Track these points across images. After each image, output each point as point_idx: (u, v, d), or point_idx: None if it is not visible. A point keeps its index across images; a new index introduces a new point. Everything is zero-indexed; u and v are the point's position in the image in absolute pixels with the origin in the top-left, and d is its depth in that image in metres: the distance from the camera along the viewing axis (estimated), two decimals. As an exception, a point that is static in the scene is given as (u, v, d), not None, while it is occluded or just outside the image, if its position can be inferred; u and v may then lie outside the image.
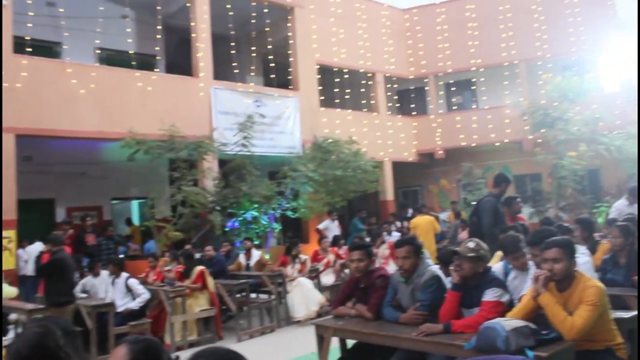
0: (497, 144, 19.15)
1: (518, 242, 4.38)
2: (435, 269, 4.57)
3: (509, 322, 3.41)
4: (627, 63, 15.87)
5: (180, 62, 15.39)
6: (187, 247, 10.38)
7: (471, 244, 4.09)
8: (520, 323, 3.44)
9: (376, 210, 19.07)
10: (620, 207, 9.06)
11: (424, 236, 11.35)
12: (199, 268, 8.85)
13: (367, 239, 11.71)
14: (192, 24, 13.88)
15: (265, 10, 15.35)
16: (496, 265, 4.59)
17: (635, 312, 4.19)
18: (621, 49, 15.65)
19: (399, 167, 19.67)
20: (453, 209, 16.26)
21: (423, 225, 11.47)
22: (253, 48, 16.42)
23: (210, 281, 8.84)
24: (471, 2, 20.22)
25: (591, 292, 3.57)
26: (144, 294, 8.51)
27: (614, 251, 5.69)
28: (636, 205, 9.26)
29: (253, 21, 15.47)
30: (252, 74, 16.94)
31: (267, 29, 15.80)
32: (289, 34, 16.20)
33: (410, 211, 13.15)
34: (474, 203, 8.08)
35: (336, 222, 15.15)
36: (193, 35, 13.88)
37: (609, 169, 18.14)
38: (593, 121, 15.97)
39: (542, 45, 19.17)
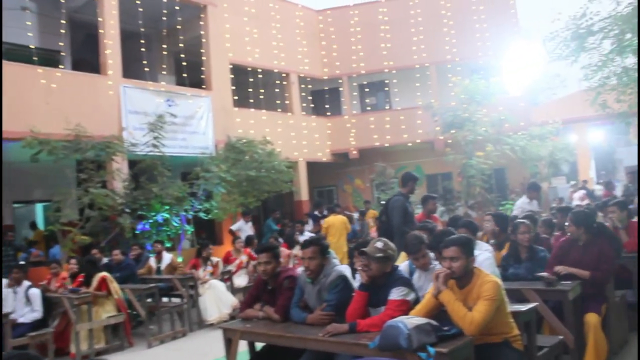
0: (410, 144, 19.63)
1: (420, 242, 4.44)
2: (342, 269, 4.57)
3: (411, 320, 3.46)
4: (528, 68, 16.63)
5: (87, 59, 14.77)
6: (94, 251, 9.97)
7: (379, 244, 4.12)
8: (422, 320, 3.49)
9: (291, 211, 19.09)
10: (522, 205, 9.48)
11: (337, 235, 11.46)
12: (100, 274, 8.44)
13: (280, 240, 11.65)
14: (100, 19, 13.33)
15: (177, 8, 14.99)
16: (402, 264, 4.64)
17: (532, 304, 4.36)
18: (522, 55, 16.38)
19: (314, 167, 19.77)
20: (366, 208, 16.49)
21: (337, 224, 11.56)
22: (165, 46, 15.98)
23: (115, 287, 8.48)
24: (384, 5, 20.61)
25: (488, 287, 3.68)
26: (36, 312, 7.97)
27: (517, 246, 5.88)
28: (535, 202, 9.73)
29: (164, 18, 15.10)
30: (164, 72, 16.53)
31: (179, 27, 15.47)
32: (202, 32, 15.90)
33: (325, 210, 13.25)
34: (384, 202, 8.19)
35: (250, 223, 15.03)
36: (101, 31, 13.34)
37: (514, 168, 19.01)
38: (499, 123, 16.66)
39: (452, 49, 19.83)
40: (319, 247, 4.47)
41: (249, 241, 11.21)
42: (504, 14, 19.74)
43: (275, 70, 18.74)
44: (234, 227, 14.21)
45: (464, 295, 3.78)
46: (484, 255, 4.76)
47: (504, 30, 19.00)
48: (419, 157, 20.34)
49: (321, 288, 4.44)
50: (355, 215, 17.36)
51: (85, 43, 15.13)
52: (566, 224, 6.70)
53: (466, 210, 16.40)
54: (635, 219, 7.76)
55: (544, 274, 5.24)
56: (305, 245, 4.58)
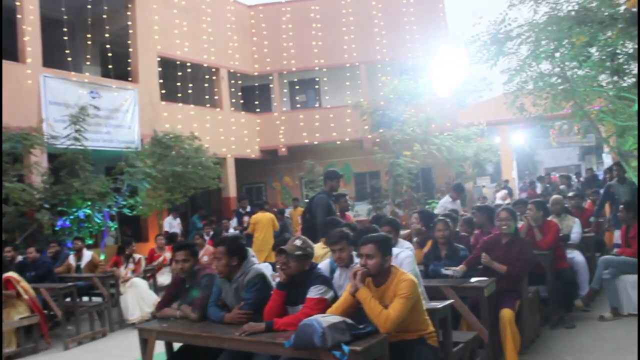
0: (339, 142, 19.77)
1: (341, 236, 4.40)
2: (260, 267, 4.53)
3: (326, 318, 3.45)
4: (455, 71, 17.05)
5: (4, 45, 14.08)
6: (7, 249, 9.50)
7: (298, 242, 4.10)
8: (337, 319, 3.49)
9: (219, 207, 18.87)
10: (445, 204, 9.70)
11: (264, 232, 11.40)
12: (6, 275, 8.00)
13: (207, 237, 11.48)
14: (17, 3, 12.73)
15: (103, -4, 14.55)
16: (323, 262, 4.64)
17: (447, 302, 4.45)
18: (450, 58, 16.78)
19: (243, 164, 19.60)
20: (295, 206, 16.49)
21: (264, 221, 11.49)
22: (89, 35, 15.44)
23: (24, 286, 8.05)
24: (315, 3, 20.66)
25: (404, 285, 3.71)
26: None
27: (437, 244, 6.01)
28: (459, 202, 9.98)
29: (89, 6, 14.60)
30: (88, 63, 15.96)
31: (105, 16, 15.00)
32: (129, 23, 15.49)
33: (249, 207, 13.16)
34: (307, 200, 8.21)
35: (178, 220, 14.77)
36: (19, 16, 12.74)
37: (440, 167, 19.49)
38: (426, 123, 17.00)
39: (382, 49, 20.11)
40: (226, 248, 4.39)
41: (172, 238, 10.98)
42: (433, 17, 20.19)
43: (205, 65, 18.46)
44: (165, 226, 13.92)
45: (381, 293, 3.80)
46: (405, 253, 4.82)
47: (433, 33, 19.42)
48: (347, 156, 20.53)
49: (239, 287, 4.37)
50: (288, 211, 17.35)
51: (1, 29, 14.41)
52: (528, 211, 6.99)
53: (393, 208, 16.65)
54: (551, 218, 8.10)
55: (448, 271, 5.39)
56: (216, 245, 4.52)
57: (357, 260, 4.52)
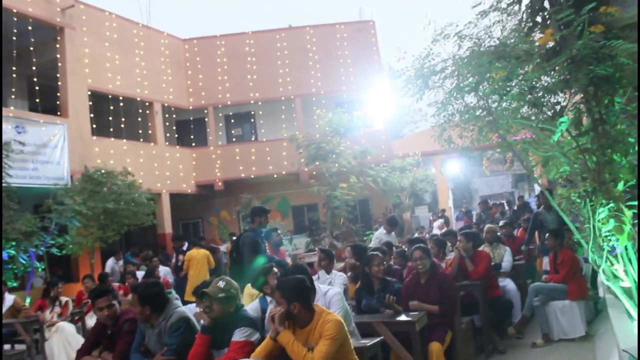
0: (276, 175, 19.69)
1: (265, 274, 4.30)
2: (184, 310, 4.36)
3: (249, 364, 3.34)
4: (388, 103, 17.37)
5: None
6: None
7: (221, 284, 3.97)
8: (260, 364, 3.39)
9: (155, 244, 18.38)
10: (380, 236, 9.72)
11: (199, 269, 11.12)
12: None
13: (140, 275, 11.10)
14: None
15: (30, 28, 14.13)
16: (252, 303, 4.52)
17: (377, 339, 4.39)
18: (383, 91, 17.09)
19: (179, 199, 19.24)
20: (231, 241, 16.19)
21: (198, 258, 11.21)
22: (14, 68, 14.92)
23: None
24: (250, 37, 20.72)
25: (330, 326, 3.61)
26: None
27: (369, 278, 5.96)
28: (394, 234, 10.03)
29: (15, 38, 14.12)
30: (14, 96, 15.40)
31: (32, 48, 14.53)
32: (58, 55, 15.08)
33: (186, 244, 12.80)
34: (234, 238, 8.00)
35: (121, 262, 14.18)
36: None
37: (377, 198, 19.66)
38: (361, 155, 17.17)
39: (317, 82, 20.30)
40: (138, 296, 4.21)
41: (102, 278, 10.56)
42: (367, 51, 20.58)
43: (138, 99, 18.13)
44: (107, 269, 13.33)
45: (306, 335, 3.70)
46: (333, 290, 4.75)
47: (366, 66, 19.77)
48: (284, 189, 20.47)
49: (161, 331, 4.20)
50: (222, 247, 17.04)
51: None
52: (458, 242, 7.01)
53: (332, 241, 16.63)
54: (483, 247, 8.23)
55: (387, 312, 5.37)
56: (131, 291, 4.34)
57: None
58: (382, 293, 5.66)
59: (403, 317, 5.07)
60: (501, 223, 10.76)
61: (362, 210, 20.37)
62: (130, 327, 4.41)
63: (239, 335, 3.84)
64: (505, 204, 23.65)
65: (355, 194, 16.86)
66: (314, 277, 5.57)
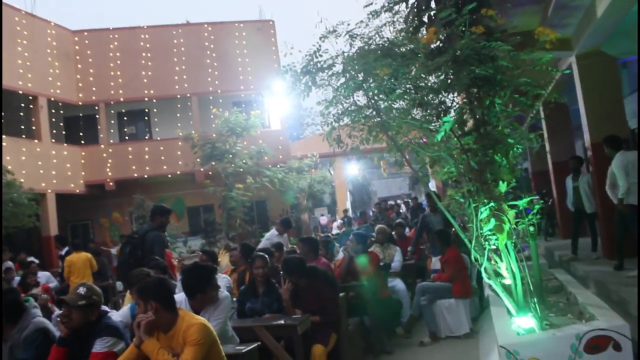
0: (170, 175, 19.07)
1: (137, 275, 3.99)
2: (43, 320, 3.96)
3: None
4: (286, 103, 17.24)
5: None
6: None
7: (82, 290, 3.62)
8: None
9: (39, 248, 17.27)
10: (271, 237, 9.54)
11: (81, 275, 10.47)
12: None
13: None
14: None
15: None
16: (122, 309, 4.18)
17: (253, 345, 4.17)
18: (281, 91, 16.97)
19: (66, 200, 18.16)
20: (125, 241, 15.49)
21: (79, 263, 10.54)
22: None
23: None
24: (145, 31, 19.98)
25: (194, 330, 3.37)
26: None
27: (255, 281, 5.76)
28: (286, 236, 9.88)
29: None
30: None
31: None
32: None
33: (66, 248, 12.00)
34: (136, 236, 7.49)
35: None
36: None
37: (274, 199, 19.49)
38: (258, 155, 16.95)
39: (214, 81, 19.88)
40: None
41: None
42: (266, 50, 20.39)
43: (21, 92, 16.92)
44: None
45: (169, 340, 3.42)
46: (223, 294, 4.51)
47: (265, 66, 19.55)
48: (179, 189, 19.88)
49: (14, 345, 3.78)
50: (114, 250, 16.27)
51: None
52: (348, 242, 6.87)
53: (227, 242, 16.27)
54: (374, 248, 8.25)
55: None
56: None
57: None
58: (267, 297, 5.46)
59: (283, 321, 4.89)
60: (395, 223, 10.92)
61: (259, 212, 20.15)
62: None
63: (100, 345, 3.51)
64: (403, 205, 24.23)
65: (251, 195, 16.60)
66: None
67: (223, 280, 5.90)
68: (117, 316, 3.98)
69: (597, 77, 9.09)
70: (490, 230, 4.61)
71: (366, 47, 5.55)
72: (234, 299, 5.56)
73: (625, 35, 8.78)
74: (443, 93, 5.21)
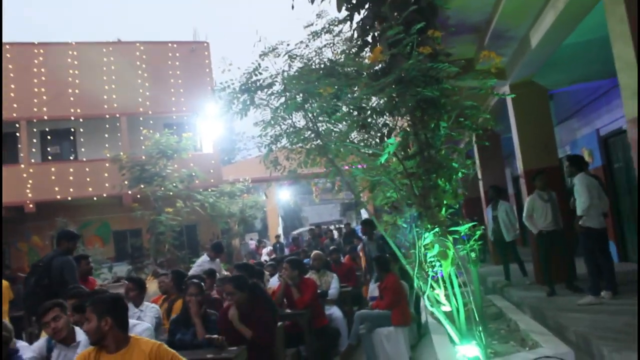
0: (96, 198, 18.27)
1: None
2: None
3: None
4: (218, 127, 16.92)
5: None
6: None
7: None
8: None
9: (-51, 273, 16.10)
10: (202, 264, 9.20)
11: (-4, 303, 9.70)
12: None
13: None
14: None
15: None
16: (38, 342, 3.79)
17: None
18: (214, 115, 16.64)
19: (-20, 222, 17.09)
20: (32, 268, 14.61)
21: (-7, 290, 9.76)
22: None
23: None
24: (74, 48, 19.26)
25: (164, 348, 3.46)
26: None
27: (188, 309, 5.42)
28: (218, 261, 9.53)
29: None
30: None
31: None
32: None
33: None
34: (41, 264, 6.99)
35: None
36: None
37: (205, 224, 19.00)
38: (189, 179, 16.48)
39: (145, 101, 19.32)
40: None
41: None
42: (199, 72, 20.05)
43: None
44: None
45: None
46: (143, 326, 4.20)
47: (198, 88, 19.19)
48: (106, 213, 19.07)
49: None
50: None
51: None
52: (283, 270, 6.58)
53: (155, 268, 15.64)
54: (310, 274, 8.02)
55: (214, 336, 4.85)
56: None
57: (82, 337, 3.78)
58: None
59: (217, 355, 4.57)
60: (330, 249, 10.74)
61: (189, 236, 19.57)
62: None
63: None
64: (335, 232, 24.14)
65: (181, 219, 16.07)
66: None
67: (152, 310, 5.51)
68: (30, 351, 3.59)
69: (530, 106, 9.31)
70: (434, 256, 4.49)
71: (307, 68, 5.39)
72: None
73: (555, 67, 9.06)
74: (387, 115, 5.10)
